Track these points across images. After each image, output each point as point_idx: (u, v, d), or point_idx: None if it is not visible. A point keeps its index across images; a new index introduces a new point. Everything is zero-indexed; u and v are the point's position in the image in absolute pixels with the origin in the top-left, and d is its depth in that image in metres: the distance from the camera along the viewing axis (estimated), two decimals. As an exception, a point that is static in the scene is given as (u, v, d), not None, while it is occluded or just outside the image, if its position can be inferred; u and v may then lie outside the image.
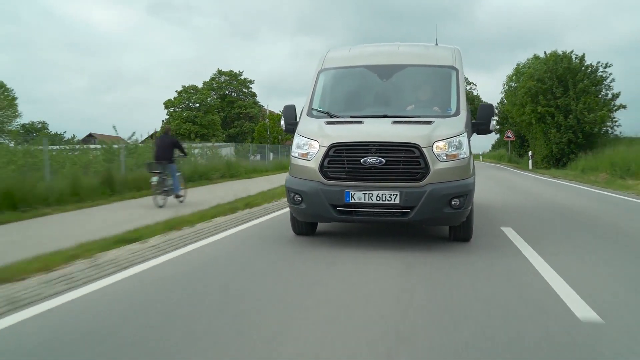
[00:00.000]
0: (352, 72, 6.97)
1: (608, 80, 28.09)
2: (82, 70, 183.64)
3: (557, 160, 28.47)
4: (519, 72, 37.53)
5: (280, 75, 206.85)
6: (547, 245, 6.06)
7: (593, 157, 21.95)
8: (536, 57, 33.58)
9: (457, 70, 6.58)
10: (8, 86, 61.27)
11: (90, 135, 69.32)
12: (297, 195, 5.91)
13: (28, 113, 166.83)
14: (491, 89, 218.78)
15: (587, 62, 28.03)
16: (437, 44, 7.59)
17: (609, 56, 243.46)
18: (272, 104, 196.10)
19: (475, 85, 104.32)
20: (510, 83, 38.99)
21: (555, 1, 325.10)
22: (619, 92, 27.89)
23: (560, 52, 29.14)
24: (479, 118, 6.51)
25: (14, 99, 62.37)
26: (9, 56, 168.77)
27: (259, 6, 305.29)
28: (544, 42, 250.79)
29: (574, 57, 28.57)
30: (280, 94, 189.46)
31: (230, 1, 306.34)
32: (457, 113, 6.16)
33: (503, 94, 40.65)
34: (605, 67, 27.86)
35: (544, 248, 5.81)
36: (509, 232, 6.94)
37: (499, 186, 16.19)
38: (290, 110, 6.74)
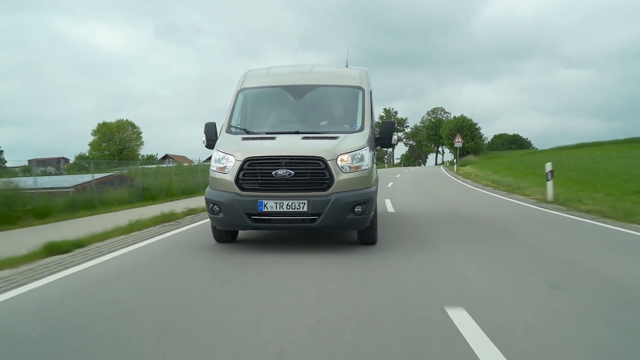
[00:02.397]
0: (268, 91, 7.32)
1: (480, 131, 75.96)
2: (90, 92, 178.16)
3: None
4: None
5: None
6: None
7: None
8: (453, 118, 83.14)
9: (363, 90, 7.04)
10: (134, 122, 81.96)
11: (166, 156, 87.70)
12: (215, 206, 6.18)
13: (36, 135, 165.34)
14: (490, 100, 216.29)
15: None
16: (347, 66, 7.99)
17: (605, 63, 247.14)
18: None
19: (397, 112, 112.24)
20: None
21: (550, 12, 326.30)
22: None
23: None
24: (381, 133, 7.14)
25: (140, 132, 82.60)
26: (18, 80, 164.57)
27: (262, 25, 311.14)
28: (541, 52, 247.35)
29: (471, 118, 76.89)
30: None
31: (235, 21, 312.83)
32: (361, 129, 6.63)
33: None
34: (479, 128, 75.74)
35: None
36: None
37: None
38: (210, 127, 7.00)
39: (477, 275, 5.18)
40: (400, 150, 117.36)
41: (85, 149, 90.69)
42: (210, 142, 7.04)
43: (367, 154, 6.35)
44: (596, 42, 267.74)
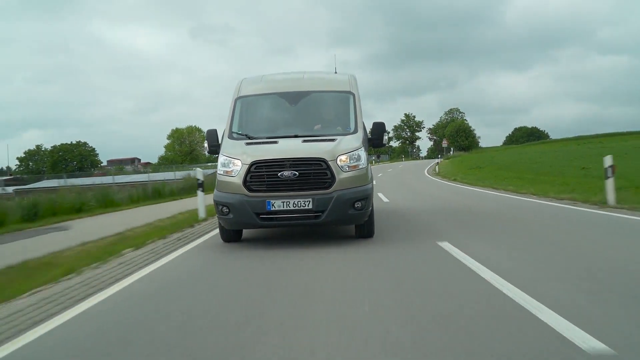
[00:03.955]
0: (265, 98, 7.70)
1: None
2: (128, 93, 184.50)
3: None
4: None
5: None
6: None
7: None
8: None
9: (353, 94, 7.47)
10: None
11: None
12: (224, 207, 6.45)
13: (77, 136, 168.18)
14: (523, 89, 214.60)
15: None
16: (335, 72, 8.39)
17: None
18: None
19: (415, 116, 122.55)
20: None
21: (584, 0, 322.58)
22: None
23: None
24: (373, 134, 7.47)
25: (204, 136, 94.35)
26: (59, 85, 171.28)
27: (295, 23, 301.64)
28: (575, 39, 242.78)
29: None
30: None
31: (267, 20, 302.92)
32: (355, 131, 7.02)
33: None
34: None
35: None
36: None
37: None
38: (212, 134, 7.43)
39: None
40: (427, 144, 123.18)
41: (121, 149, 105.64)
42: (213, 148, 7.40)
43: (363, 154, 6.71)
44: (632, 27, 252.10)
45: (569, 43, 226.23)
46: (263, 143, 6.88)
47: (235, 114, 7.49)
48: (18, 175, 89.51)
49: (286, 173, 6.25)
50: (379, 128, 7.56)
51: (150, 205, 18.31)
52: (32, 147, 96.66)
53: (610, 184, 10.25)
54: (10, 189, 37.75)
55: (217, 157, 7.16)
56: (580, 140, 63.55)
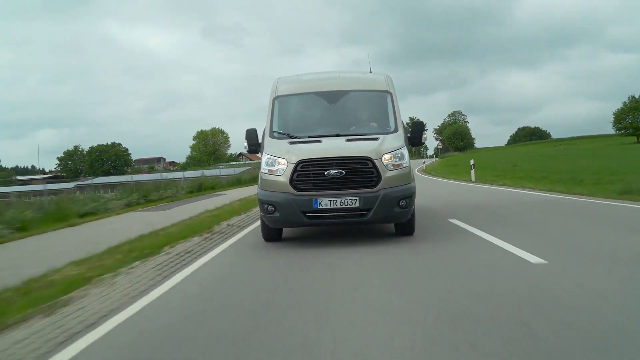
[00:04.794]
0: (303, 98, 7.71)
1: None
2: (139, 93, 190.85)
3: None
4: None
5: None
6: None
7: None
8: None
9: (391, 93, 7.46)
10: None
11: (240, 154, 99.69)
12: (270, 206, 6.42)
13: (89, 135, 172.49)
14: (534, 87, 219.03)
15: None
16: (370, 71, 8.44)
17: None
18: None
19: (418, 118, 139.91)
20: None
21: None
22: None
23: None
24: (412, 133, 7.41)
25: (227, 137, 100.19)
26: (70, 85, 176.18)
27: (306, 22, 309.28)
28: (586, 38, 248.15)
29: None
30: None
31: (279, 20, 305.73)
32: (396, 130, 7.03)
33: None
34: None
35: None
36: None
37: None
38: (252, 133, 7.46)
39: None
40: (433, 143, 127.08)
41: (133, 148, 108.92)
42: (253, 147, 7.42)
43: (405, 152, 6.66)
44: None
45: (579, 41, 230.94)
46: (307, 142, 6.79)
47: (274, 113, 7.41)
48: (58, 174, 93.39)
49: (333, 172, 6.22)
50: (418, 127, 7.51)
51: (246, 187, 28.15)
52: (46, 145, 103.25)
53: (473, 172, 23.63)
54: (51, 186, 39.17)
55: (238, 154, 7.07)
56: (561, 142, 71.80)
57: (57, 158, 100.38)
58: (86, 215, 13.71)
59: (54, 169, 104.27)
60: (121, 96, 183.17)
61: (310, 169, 6.30)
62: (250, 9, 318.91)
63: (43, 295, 4.66)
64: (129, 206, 16.32)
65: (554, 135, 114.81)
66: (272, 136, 7.14)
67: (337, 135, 6.95)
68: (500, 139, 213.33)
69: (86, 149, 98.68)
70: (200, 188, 25.72)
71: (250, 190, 20.20)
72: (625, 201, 10.46)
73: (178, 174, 41.23)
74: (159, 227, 9.58)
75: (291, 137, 7.04)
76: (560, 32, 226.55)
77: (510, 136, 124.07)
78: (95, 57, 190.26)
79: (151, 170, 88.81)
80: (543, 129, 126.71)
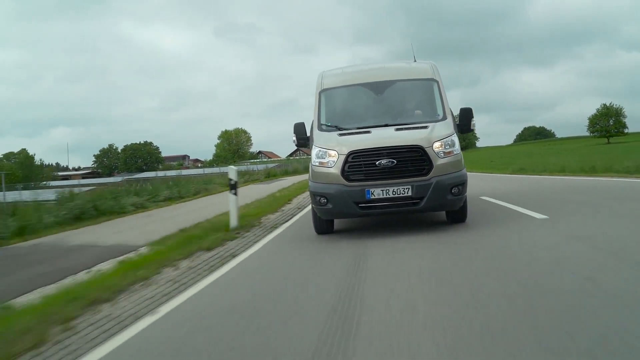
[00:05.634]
0: (350, 90, 7.63)
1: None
2: (153, 92, 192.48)
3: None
4: None
5: None
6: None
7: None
8: None
9: (437, 81, 7.30)
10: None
11: (260, 152, 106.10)
12: (322, 198, 6.36)
13: (104, 134, 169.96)
14: (548, 86, 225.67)
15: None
16: (415, 60, 8.16)
17: None
18: None
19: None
20: None
21: None
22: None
23: None
24: (461, 120, 7.20)
25: (250, 137, 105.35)
26: (86, 84, 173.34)
27: (319, 22, 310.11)
28: (599, 36, 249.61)
29: None
30: None
31: (292, 19, 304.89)
32: (444, 117, 6.87)
33: None
34: None
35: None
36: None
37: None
38: (300, 127, 7.45)
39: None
40: None
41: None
42: (301, 141, 7.42)
43: (456, 139, 6.54)
44: None
45: (593, 40, 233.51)
46: (356, 133, 6.69)
47: (321, 107, 7.36)
48: (95, 170, 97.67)
49: (384, 161, 6.14)
50: (466, 114, 7.26)
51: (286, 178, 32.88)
52: (61, 143, 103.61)
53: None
54: (87, 181, 44.45)
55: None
56: (553, 142, 79.22)
57: (94, 155, 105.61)
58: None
59: (89, 166, 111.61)
60: (135, 95, 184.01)
61: (361, 159, 6.23)
62: (263, 8, 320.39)
63: (250, 213, 10.33)
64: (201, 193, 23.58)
65: (558, 134, 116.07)
66: (320, 129, 7.07)
67: (386, 125, 6.81)
68: (508, 137, 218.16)
69: (120, 147, 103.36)
70: (268, 175, 36.43)
71: (295, 178, 28.82)
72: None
73: (214, 170, 46.43)
74: (275, 190, 18.21)
75: (340, 129, 6.94)
76: (574, 30, 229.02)
77: (517, 135, 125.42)
78: (109, 56, 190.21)
79: (180, 167, 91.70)
80: (548, 129, 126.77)
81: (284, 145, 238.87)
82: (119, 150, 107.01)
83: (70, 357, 3.17)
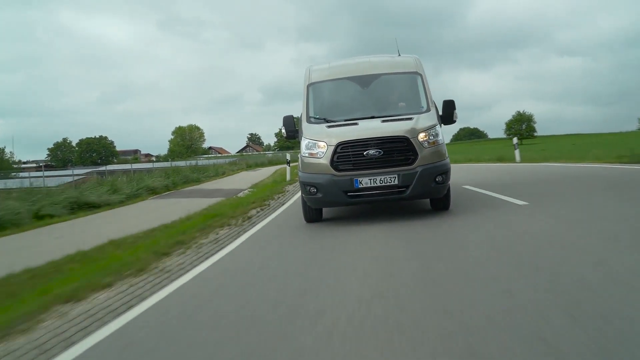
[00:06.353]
0: (337, 83, 7.84)
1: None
2: (93, 84, 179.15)
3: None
4: None
5: (284, 80, 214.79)
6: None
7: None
8: None
9: (421, 74, 7.56)
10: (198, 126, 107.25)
11: (210, 148, 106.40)
12: (312, 187, 6.56)
13: (42, 126, 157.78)
14: (486, 87, 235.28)
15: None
16: (399, 54, 8.30)
17: (597, 51, 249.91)
18: (276, 107, 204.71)
19: None
20: None
21: (542, 2, 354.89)
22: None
23: None
24: (444, 111, 7.43)
25: (203, 133, 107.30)
26: (22, 73, 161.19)
27: (265, 18, 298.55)
28: (535, 41, 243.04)
29: None
30: (284, 98, 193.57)
31: (238, 14, 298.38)
32: (428, 109, 7.13)
33: None
34: None
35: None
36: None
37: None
38: (289, 120, 7.61)
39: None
40: None
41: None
42: (290, 133, 7.57)
43: (440, 130, 6.81)
44: (587, 31, 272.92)
45: (528, 44, 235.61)
46: (344, 125, 6.87)
47: (309, 100, 7.53)
48: (49, 163, 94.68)
49: (371, 152, 6.39)
50: (449, 105, 7.50)
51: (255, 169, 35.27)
52: None
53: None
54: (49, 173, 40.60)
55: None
56: (476, 142, 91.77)
57: (48, 149, 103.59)
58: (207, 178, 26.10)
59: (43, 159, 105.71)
60: (75, 87, 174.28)
61: (350, 150, 6.44)
62: (209, 3, 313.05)
63: (281, 179, 18.96)
64: (221, 175, 28.94)
65: (491, 135, 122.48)
66: (309, 121, 7.21)
67: (372, 117, 6.99)
68: (446, 137, 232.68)
69: (74, 141, 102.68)
70: (248, 166, 39.19)
71: (270, 168, 32.80)
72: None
73: (165, 164, 46.79)
74: (265, 177, 22.38)
75: (328, 121, 7.08)
76: (510, 35, 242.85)
77: (453, 135, 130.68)
78: (49, 46, 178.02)
79: (135, 161, 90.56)
80: (481, 130, 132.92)
81: (233, 141, 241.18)
82: (73, 144, 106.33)
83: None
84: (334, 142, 6.56)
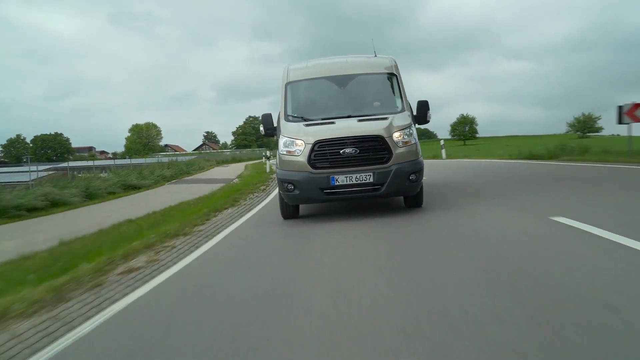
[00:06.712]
0: (315, 82, 8.05)
1: None
2: (39, 78, 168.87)
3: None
4: None
5: (238, 79, 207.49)
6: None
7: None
8: None
9: (396, 75, 7.79)
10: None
11: (167, 146, 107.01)
12: (289, 184, 6.74)
13: None
14: (438, 88, 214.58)
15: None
16: (375, 55, 8.48)
17: (543, 55, 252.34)
18: (230, 106, 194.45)
19: None
20: None
21: (492, 7, 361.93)
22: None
23: None
24: (418, 112, 7.68)
25: (160, 130, 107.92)
26: None
27: (219, 15, 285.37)
28: (484, 44, 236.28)
29: None
30: (239, 96, 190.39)
31: (191, 11, 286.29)
32: (403, 109, 7.38)
33: None
34: None
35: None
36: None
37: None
38: (267, 118, 7.84)
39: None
40: None
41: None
42: (268, 131, 7.72)
43: (414, 130, 7.00)
44: (534, 36, 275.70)
45: (478, 47, 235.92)
46: (321, 124, 7.06)
47: (287, 98, 7.72)
48: (2, 160, 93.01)
49: (348, 150, 6.59)
50: (423, 106, 7.73)
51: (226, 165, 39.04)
52: None
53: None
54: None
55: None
56: (425, 142, 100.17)
57: (1, 145, 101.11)
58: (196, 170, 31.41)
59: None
60: (19, 80, 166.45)
61: (327, 148, 6.64)
62: None
63: (260, 171, 23.40)
64: (203, 169, 33.38)
65: (440, 135, 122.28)
66: (287, 119, 7.38)
67: (349, 117, 7.19)
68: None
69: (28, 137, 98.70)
70: (219, 162, 42.21)
71: (239, 164, 37.72)
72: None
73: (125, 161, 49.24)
74: (241, 171, 26.40)
75: (305, 120, 7.27)
76: (461, 37, 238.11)
77: None
78: None
79: (92, 158, 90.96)
80: (431, 130, 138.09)
81: (188, 139, 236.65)
82: (27, 140, 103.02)
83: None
84: (312, 140, 6.73)
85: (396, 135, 6.78)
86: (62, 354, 2.92)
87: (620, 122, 14.40)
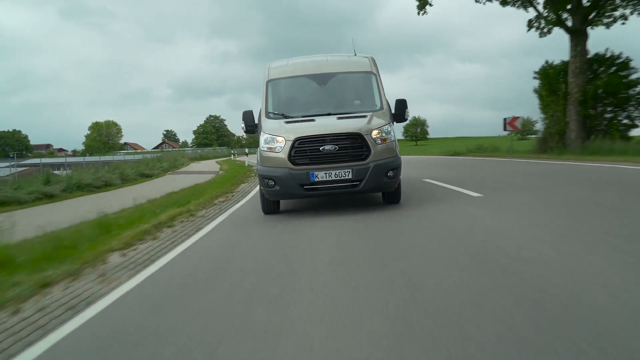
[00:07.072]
0: (295, 80, 8.26)
1: None
2: None
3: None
4: None
5: (195, 77, 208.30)
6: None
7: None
8: None
9: (375, 74, 8.00)
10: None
11: (126, 144, 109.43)
12: (270, 180, 6.87)
13: None
14: (395, 89, 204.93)
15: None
16: (355, 54, 8.72)
17: (495, 59, 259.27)
18: (187, 104, 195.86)
19: None
20: None
21: (446, 12, 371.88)
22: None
23: None
24: (396, 110, 7.81)
25: (120, 129, 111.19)
26: None
27: (175, 11, 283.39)
28: (439, 47, 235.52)
29: None
30: (196, 94, 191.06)
31: (147, 7, 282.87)
32: (381, 108, 7.55)
33: None
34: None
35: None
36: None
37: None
38: (249, 115, 7.84)
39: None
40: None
41: None
42: (249, 128, 7.74)
43: (392, 128, 7.16)
44: (487, 39, 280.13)
45: (433, 50, 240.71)
46: (301, 121, 7.22)
47: (268, 96, 7.86)
48: None
49: (327, 147, 6.73)
50: (401, 104, 7.87)
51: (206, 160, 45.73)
52: None
53: (246, 157, 37.39)
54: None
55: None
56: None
57: None
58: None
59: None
60: None
61: (307, 145, 6.75)
62: None
63: (240, 165, 28.23)
64: (184, 164, 37.28)
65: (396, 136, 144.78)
66: (268, 117, 7.51)
67: (329, 114, 7.35)
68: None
69: None
70: (190, 159, 44.34)
71: (208, 161, 41.96)
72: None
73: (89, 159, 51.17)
74: (218, 166, 30.78)
75: (286, 117, 7.41)
76: (416, 40, 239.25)
77: None
78: None
79: (51, 155, 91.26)
80: None
81: (146, 137, 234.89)
82: None
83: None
84: (292, 137, 6.78)
85: (375, 133, 6.93)
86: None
87: (505, 129, 20.32)
